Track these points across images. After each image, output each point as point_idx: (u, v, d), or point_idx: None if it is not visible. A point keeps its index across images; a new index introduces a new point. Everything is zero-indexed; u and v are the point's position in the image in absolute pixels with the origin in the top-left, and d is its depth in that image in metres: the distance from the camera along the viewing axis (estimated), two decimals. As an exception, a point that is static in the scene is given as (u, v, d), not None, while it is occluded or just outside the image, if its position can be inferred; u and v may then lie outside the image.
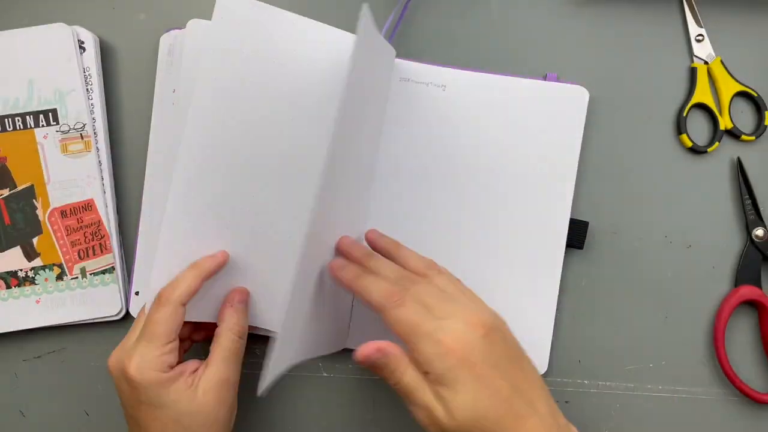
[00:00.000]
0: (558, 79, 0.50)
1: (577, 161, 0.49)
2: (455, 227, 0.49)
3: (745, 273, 0.49)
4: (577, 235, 0.49)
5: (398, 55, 0.49)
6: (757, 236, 0.49)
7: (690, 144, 0.50)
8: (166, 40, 0.49)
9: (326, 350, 0.48)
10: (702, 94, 0.50)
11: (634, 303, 0.50)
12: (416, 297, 0.38)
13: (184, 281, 0.42)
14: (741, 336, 0.50)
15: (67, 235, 0.48)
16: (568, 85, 0.49)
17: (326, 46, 0.45)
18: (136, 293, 0.48)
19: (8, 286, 0.48)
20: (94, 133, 0.49)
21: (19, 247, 0.48)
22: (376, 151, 0.49)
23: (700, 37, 0.51)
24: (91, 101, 0.49)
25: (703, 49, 0.51)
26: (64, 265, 0.48)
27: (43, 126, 0.48)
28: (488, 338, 0.36)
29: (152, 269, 0.45)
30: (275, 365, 0.37)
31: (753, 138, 0.50)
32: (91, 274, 0.48)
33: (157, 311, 0.40)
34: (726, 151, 0.51)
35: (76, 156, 0.48)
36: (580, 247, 0.49)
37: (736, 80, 0.51)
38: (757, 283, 0.49)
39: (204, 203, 0.44)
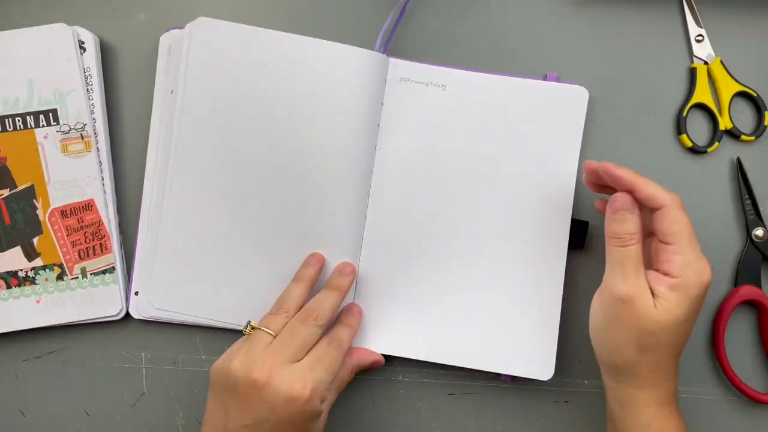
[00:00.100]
0: (558, 79, 0.50)
1: (577, 161, 0.49)
2: (455, 227, 0.48)
3: (745, 273, 0.49)
4: (578, 235, 0.49)
5: (398, 55, 0.49)
6: (756, 236, 0.50)
7: (690, 144, 0.50)
8: (166, 40, 0.49)
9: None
10: (702, 94, 0.50)
11: (634, 303, 0.50)
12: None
13: (358, 323, 0.47)
14: (741, 336, 0.50)
15: (67, 235, 0.48)
16: (568, 85, 0.49)
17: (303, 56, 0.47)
18: (136, 293, 0.48)
19: (8, 286, 0.48)
20: (95, 133, 0.49)
21: (19, 247, 0.48)
22: (371, 151, 0.49)
23: (700, 38, 0.51)
24: (91, 101, 0.49)
25: (703, 50, 0.51)
26: (65, 265, 0.48)
27: (43, 126, 0.48)
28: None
29: (152, 276, 0.46)
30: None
31: (753, 138, 0.50)
32: (91, 274, 0.48)
33: (338, 350, 0.44)
34: (726, 151, 0.51)
35: (77, 156, 0.48)
36: (581, 247, 0.49)
37: (736, 80, 0.51)
38: (757, 283, 0.49)
39: (198, 211, 0.47)
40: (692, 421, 0.42)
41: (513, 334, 0.48)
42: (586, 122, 0.49)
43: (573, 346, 0.50)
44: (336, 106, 0.47)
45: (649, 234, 0.43)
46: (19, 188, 0.48)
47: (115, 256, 0.48)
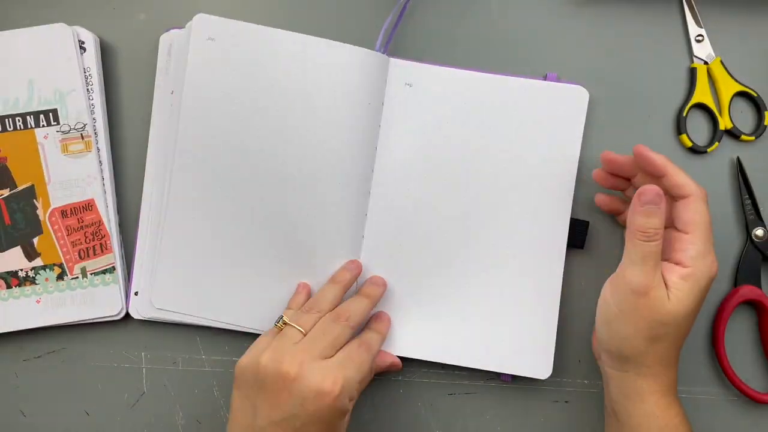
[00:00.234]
0: (558, 79, 0.50)
1: (577, 161, 0.49)
2: (456, 227, 0.49)
3: (745, 273, 0.49)
4: (577, 234, 0.49)
5: (398, 55, 0.49)
6: (756, 236, 0.50)
7: (690, 144, 0.50)
8: (166, 40, 0.49)
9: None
10: (702, 94, 0.50)
11: (634, 303, 0.50)
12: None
13: (387, 330, 0.47)
14: (741, 336, 0.50)
15: (67, 235, 0.48)
16: (568, 85, 0.49)
17: (302, 54, 0.47)
18: (136, 293, 0.48)
19: (8, 286, 0.48)
20: (95, 133, 0.49)
21: (19, 247, 0.48)
22: (372, 151, 0.49)
23: (700, 38, 0.51)
24: (91, 101, 0.49)
25: (703, 50, 0.51)
26: (65, 265, 0.48)
27: (43, 126, 0.48)
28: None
29: (153, 276, 0.46)
30: None
31: (753, 138, 0.50)
32: (91, 274, 0.48)
33: (368, 353, 0.43)
34: (726, 151, 0.51)
35: (77, 156, 0.48)
36: (581, 247, 0.49)
37: (736, 80, 0.51)
38: (757, 283, 0.49)
39: (201, 209, 0.47)
40: (692, 421, 0.42)
41: (511, 333, 0.48)
42: (586, 122, 0.49)
43: (573, 346, 0.50)
44: (336, 106, 0.47)
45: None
46: (19, 188, 0.48)
47: (115, 256, 0.48)
